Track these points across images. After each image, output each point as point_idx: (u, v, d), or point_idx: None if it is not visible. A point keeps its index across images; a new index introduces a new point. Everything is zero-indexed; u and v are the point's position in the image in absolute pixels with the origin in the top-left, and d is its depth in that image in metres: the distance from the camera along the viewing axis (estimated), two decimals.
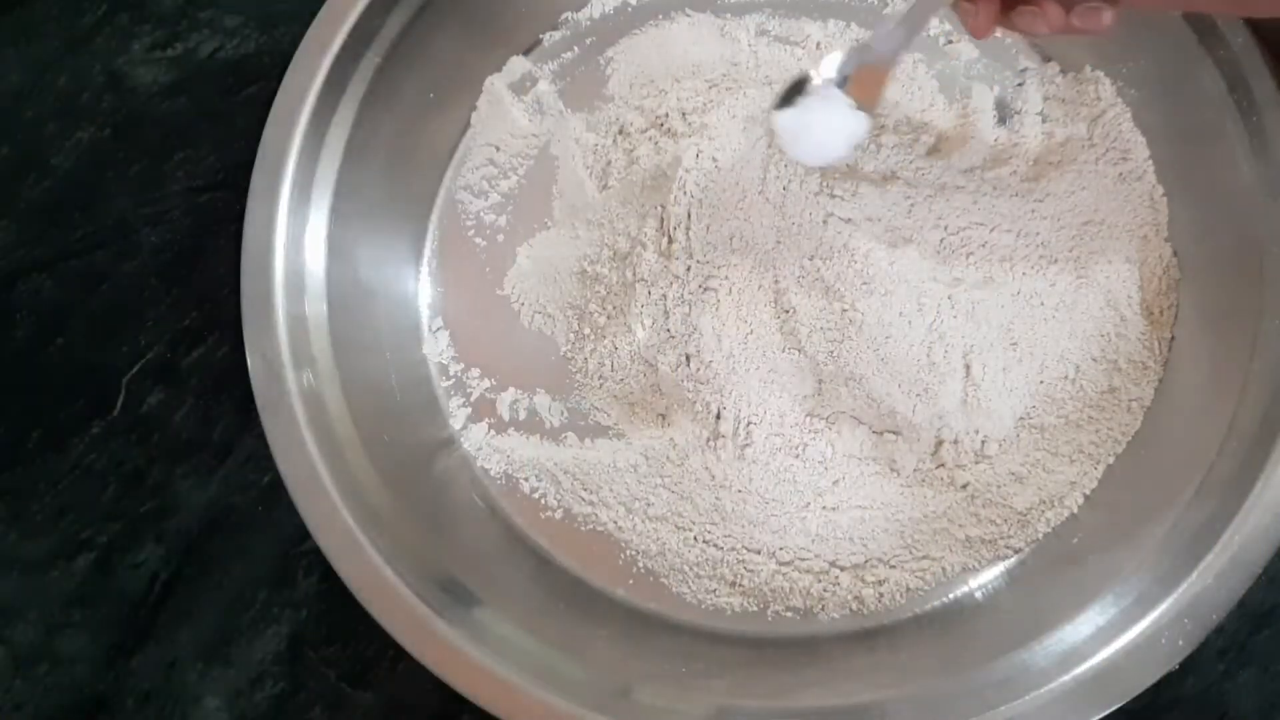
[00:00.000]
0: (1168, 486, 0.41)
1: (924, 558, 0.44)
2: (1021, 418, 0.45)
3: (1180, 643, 0.36)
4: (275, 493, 0.49)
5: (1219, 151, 0.43)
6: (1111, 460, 0.45)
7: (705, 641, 0.44)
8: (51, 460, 0.51)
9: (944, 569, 0.44)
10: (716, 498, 0.45)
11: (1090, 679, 0.36)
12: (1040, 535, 0.44)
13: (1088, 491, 0.44)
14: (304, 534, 0.40)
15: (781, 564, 0.44)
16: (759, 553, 0.45)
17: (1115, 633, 0.37)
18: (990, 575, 0.44)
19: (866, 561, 0.44)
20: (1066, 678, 0.36)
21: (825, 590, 0.44)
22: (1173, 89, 0.46)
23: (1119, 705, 0.36)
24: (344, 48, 0.46)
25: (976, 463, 0.44)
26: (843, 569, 0.44)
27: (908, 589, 0.44)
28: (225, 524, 0.50)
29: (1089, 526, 0.44)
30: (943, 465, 0.45)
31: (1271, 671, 0.44)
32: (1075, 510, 0.44)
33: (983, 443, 0.44)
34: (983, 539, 0.44)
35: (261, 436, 0.41)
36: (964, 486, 0.44)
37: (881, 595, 0.44)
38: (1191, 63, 0.44)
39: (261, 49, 0.58)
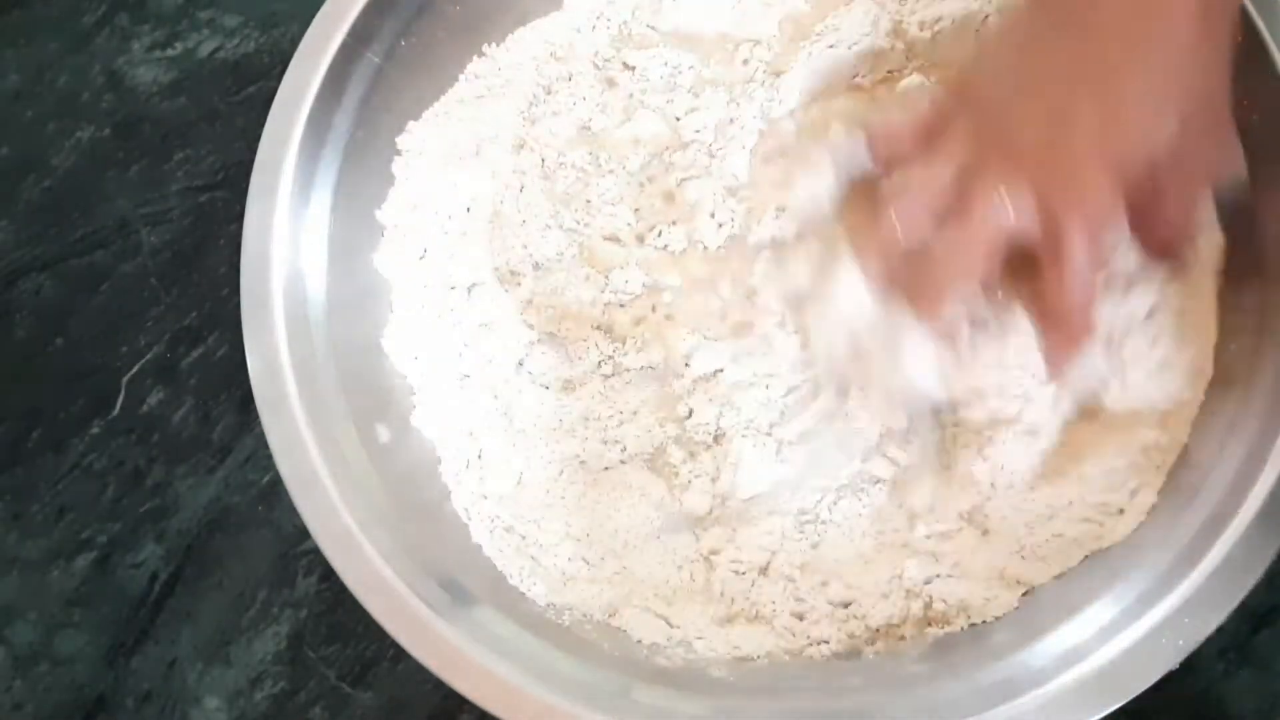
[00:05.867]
0: (1168, 486, 0.41)
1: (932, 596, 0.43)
2: None
3: (1180, 643, 0.36)
4: (275, 493, 0.49)
5: None
6: None
7: None
8: (51, 460, 0.51)
9: (951, 597, 0.42)
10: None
11: (1090, 679, 0.36)
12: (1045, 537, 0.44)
13: None
14: (304, 534, 0.40)
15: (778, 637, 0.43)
16: (757, 618, 0.43)
17: (1115, 632, 0.37)
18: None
19: (887, 625, 0.42)
20: (1066, 678, 0.36)
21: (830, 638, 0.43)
22: None
23: (1119, 705, 0.35)
24: (344, 48, 0.46)
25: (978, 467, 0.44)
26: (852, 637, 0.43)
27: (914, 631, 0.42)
28: (225, 524, 0.50)
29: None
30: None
31: (1271, 671, 0.44)
32: None
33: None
34: (989, 556, 0.43)
35: (261, 436, 0.41)
36: (973, 512, 0.43)
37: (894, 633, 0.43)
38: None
39: (261, 49, 0.58)
